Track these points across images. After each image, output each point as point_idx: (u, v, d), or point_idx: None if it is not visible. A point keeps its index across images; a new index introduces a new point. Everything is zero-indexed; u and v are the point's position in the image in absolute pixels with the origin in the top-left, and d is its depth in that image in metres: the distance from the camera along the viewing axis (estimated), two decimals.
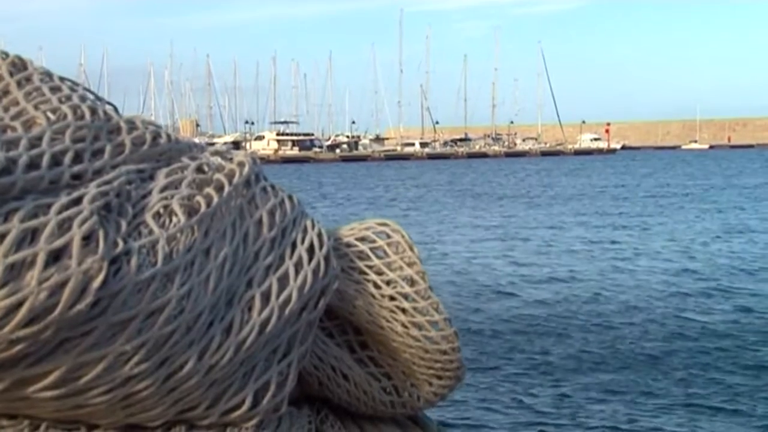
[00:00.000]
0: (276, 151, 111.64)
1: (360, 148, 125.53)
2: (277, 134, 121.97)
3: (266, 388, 1.89)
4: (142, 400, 1.68)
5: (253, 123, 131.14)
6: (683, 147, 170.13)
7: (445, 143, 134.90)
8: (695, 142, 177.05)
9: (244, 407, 1.84)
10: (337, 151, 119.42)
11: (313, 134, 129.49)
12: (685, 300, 16.46)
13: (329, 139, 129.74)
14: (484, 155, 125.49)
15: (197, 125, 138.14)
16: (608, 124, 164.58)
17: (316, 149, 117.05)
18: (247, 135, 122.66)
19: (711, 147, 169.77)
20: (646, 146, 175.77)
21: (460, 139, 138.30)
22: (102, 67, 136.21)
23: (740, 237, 26.14)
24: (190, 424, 1.81)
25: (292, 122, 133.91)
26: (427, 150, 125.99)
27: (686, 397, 10.42)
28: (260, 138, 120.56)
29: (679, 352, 12.51)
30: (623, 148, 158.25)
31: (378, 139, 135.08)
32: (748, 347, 12.69)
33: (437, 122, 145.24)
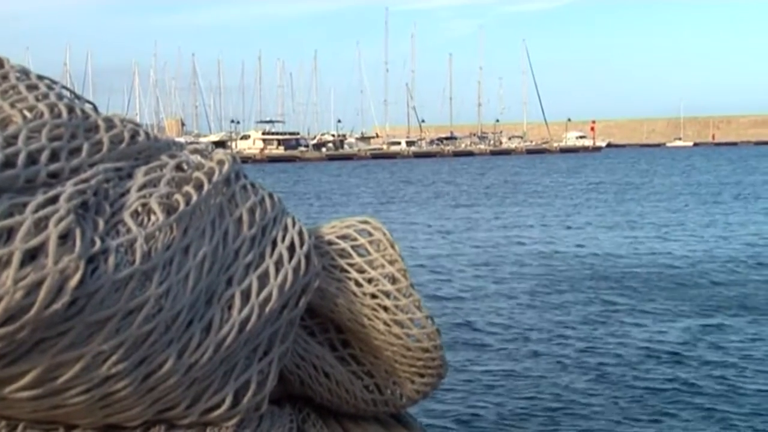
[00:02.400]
0: (262, 150, 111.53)
1: (346, 147, 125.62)
2: (263, 133, 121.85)
3: (246, 387, 1.87)
4: (120, 399, 1.66)
5: (238, 122, 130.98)
6: (668, 144, 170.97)
7: (431, 142, 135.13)
8: (680, 139, 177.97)
9: (224, 406, 1.83)
10: (323, 150, 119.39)
11: (298, 133, 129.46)
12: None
13: (315, 138, 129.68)
14: (470, 153, 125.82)
15: (183, 124, 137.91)
16: (594, 122, 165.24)
17: (302, 148, 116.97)
18: (233, 134, 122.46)
19: (695, 144, 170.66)
20: (631, 144, 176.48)
21: (446, 138, 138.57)
22: (86, 67, 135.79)
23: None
24: (169, 424, 1.80)
25: (277, 121, 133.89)
26: (413, 149, 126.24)
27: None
28: (246, 137, 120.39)
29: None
30: (608, 145, 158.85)
31: (364, 138, 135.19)
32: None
33: (423, 121, 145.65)
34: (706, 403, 10.07)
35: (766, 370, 11.38)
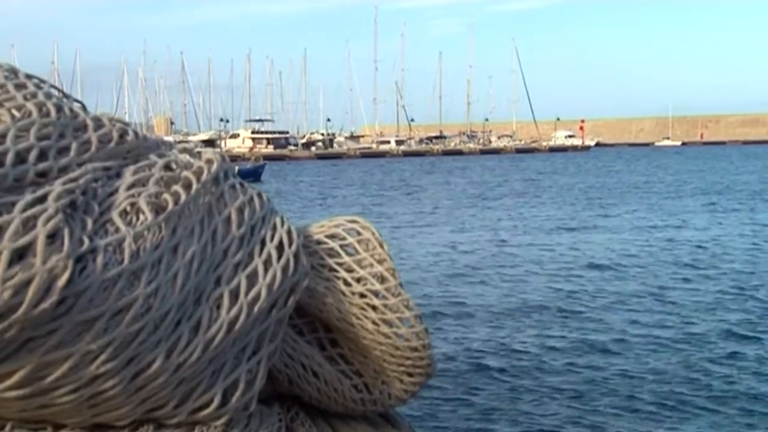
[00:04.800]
0: (251, 149, 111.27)
1: (335, 145, 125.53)
2: (252, 132, 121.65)
3: (235, 387, 1.88)
4: (108, 399, 1.66)
5: (227, 121, 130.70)
6: (656, 144, 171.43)
7: (421, 141, 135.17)
8: (668, 138, 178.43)
9: (213, 406, 1.83)
10: (313, 148, 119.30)
11: (288, 132, 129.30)
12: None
13: (304, 137, 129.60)
14: (459, 152, 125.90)
15: (171, 123, 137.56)
16: (582, 121, 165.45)
17: (291, 147, 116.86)
18: (222, 133, 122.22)
19: (683, 144, 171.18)
20: (620, 143, 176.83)
21: (436, 137, 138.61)
22: (75, 65, 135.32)
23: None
24: (158, 423, 1.80)
25: (266, 120, 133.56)
26: (402, 147, 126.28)
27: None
28: (235, 136, 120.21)
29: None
30: (597, 145, 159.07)
31: (353, 137, 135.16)
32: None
33: (412, 120, 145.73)
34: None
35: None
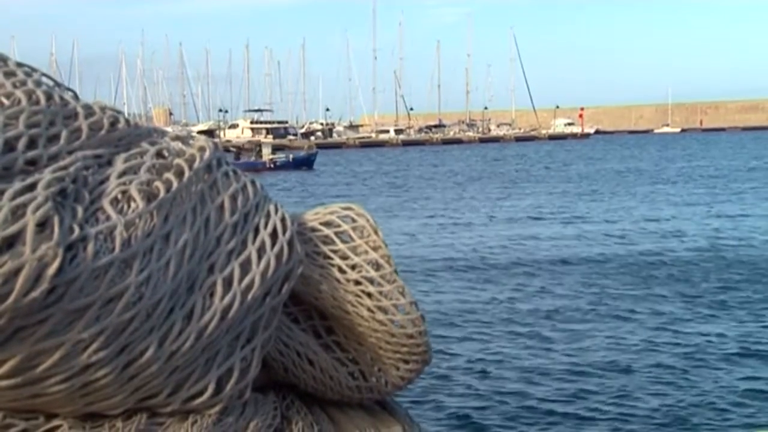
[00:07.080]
0: (250, 139, 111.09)
1: (335, 135, 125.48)
2: (251, 122, 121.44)
3: (229, 375, 1.87)
4: (101, 388, 1.65)
5: (226, 111, 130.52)
6: (656, 131, 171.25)
7: (420, 130, 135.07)
8: (667, 125, 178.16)
9: (207, 394, 1.82)
10: (312, 138, 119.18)
11: (287, 122, 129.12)
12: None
13: (303, 126, 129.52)
14: (458, 141, 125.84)
15: (170, 114, 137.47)
16: (582, 109, 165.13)
17: (291, 137, 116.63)
18: (221, 123, 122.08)
19: (683, 130, 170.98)
20: (619, 130, 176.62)
21: (435, 126, 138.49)
22: (72, 56, 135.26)
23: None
24: (151, 412, 1.79)
25: (266, 110, 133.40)
26: (401, 137, 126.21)
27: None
28: (234, 126, 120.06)
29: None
30: (597, 132, 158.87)
31: (352, 127, 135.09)
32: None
33: (412, 109, 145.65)
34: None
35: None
